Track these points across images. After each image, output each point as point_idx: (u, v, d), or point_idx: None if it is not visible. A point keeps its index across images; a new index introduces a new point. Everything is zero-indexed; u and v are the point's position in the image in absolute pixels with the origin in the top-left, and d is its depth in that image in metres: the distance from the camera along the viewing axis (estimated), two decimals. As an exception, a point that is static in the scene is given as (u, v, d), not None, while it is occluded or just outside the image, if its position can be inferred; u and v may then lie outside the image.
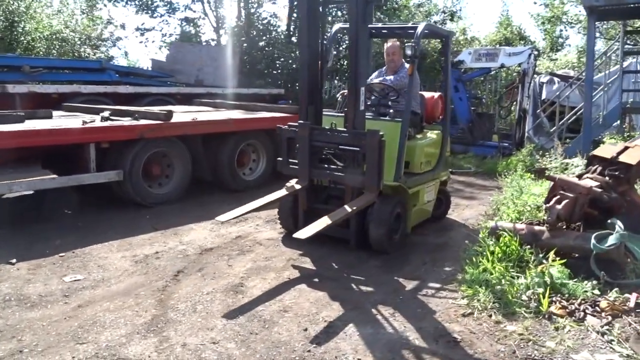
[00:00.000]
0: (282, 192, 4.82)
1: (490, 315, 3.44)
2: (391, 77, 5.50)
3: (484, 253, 4.19)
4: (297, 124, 4.84)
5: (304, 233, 3.80)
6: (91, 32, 17.15)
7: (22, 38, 15.85)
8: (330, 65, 5.48)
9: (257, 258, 4.59)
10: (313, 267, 4.44)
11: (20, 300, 3.67)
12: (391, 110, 5.15)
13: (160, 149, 6.36)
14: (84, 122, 5.67)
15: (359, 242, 4.81)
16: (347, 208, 4.38)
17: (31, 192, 6.53)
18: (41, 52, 16.21)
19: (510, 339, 3.16)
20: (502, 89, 14.36)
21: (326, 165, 4.81)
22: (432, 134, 5.76)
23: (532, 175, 6.95)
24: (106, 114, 6.34)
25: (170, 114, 6.41)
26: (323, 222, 4.03)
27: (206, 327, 3.28)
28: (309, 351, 3.02)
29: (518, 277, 3.86)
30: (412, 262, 4.58)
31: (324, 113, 5.30)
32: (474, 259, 4.14)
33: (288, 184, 4.92)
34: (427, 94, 6.09)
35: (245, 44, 17.06)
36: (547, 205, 4.37)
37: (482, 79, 15.07)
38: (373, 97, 5.43)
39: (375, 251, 4.74)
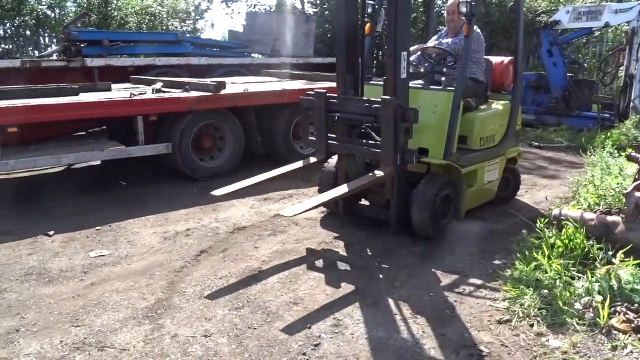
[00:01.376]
0: (295, 165, 4.47)
1: (532, 325, 2.87)
2: (449, 41, 4.84)
3: (542, 246, 3.56)
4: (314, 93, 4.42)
5: (289, 211, 3.43)
6: (177, 5, 17.50)
7: (116, 14, 16.53)
8: (381, 28, 4.92)
9: (287, 240, 4.29)
10: (344, 252, 4.05)
11: (40, 274, 3.66)
12: (443, 78, 4.53)
13: (211, 122, 6.21)
14: (132, 95, 5.63)
15: (400, 226, 4.33)
16: (348, 186, 3.93)
17: (99, 162, 6.74)
18: (133, 27, 16.83)
19: (551, 357, 2.59)
20: (608, 52, 12.68)
21: (345, 138, 4.35)
22: (499, 105, 5.05)
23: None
24: (158, 85, 6.28)
25: (220, 85, 6.21)
26: (313, 201, 3.62)
27: (205, 317, 3.04)
28: (304, 354, 2.67)
29: (579, 278, 3.22)
30: (458, 252, 4.03)
31: (372, 82, 4.82)
32: (527, 253, 3.52)
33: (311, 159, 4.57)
34: (496, 59, 5.34)
35: (327, 12, 16.56)
36: (627, 191, 3.61)
37: (584, 41, 13.45)
38: (427, 64, 4.82)
39: (419, 237, 4.24)
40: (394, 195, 4.25)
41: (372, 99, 4.19)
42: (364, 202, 4.78)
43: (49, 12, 14.97)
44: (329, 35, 16.33)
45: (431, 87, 4.51)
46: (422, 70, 4.92)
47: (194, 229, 4.54)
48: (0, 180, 6.12)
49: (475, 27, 4.84)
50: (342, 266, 3.78)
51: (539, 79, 11.00)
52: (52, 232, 4.44)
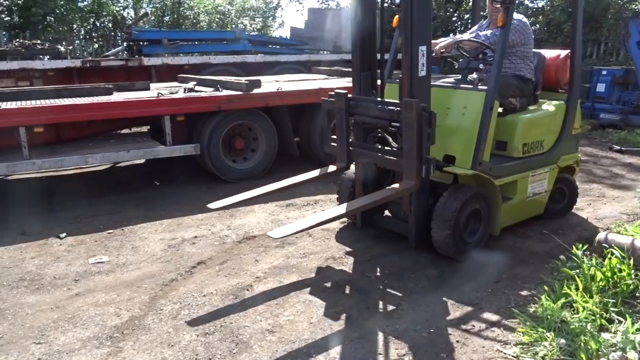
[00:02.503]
0: (309, 175, 4.06)
1: (543, 383, 2.32)
2: (487, 32, 4.24)
3: (579, 277, 2.95)
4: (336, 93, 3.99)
5: (277, 232, 3.02)
6: (246, 3, 17.63)
7: (188, 13, 16.95)
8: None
9: (294, 253, 3.93)
10: (350, 271, 3.63)
11: (33, 280, 3.57)
12: (475, 75, 3.95)
13: (242, 122, 5.97)
14: (159, 95, 5.51)
15: (420, 241, 3.84)
16: (359, 202, 3.48)
17: (143, 160, 6.73)
18: (204, 26, 17.19)
19: None
20: None
21: (365, 144, 3.89)
22: (550, 106, 4.38)
23: None
24: (191, 84, 6.15)
25: (253, 84, 5.96)
26: (309, 220, 3.18)
27: (168, 342, 2.76)
28: (256, 398, 2.31)
29: (618, 322, 2.60)
30: (481, 277, 3.47)
31: (390, 80, 4.33)
32: (556, 286, 2.93)
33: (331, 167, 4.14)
34: (550, 53, 4.65)
35: (397, 6, 15.91)
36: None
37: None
38: (461, 60, 4.25)
39: (442, 255, 3.73)
40: (412, 208, 3.77)
41: (389, 100, 3.73)
42: (387, 212, 4.33)
43: (124, 13, 15.55)
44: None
45: (461, 85, 3.95)
46: (456, 67, 4.36)
47: (202, 237, 4.31)
48: (37, 177, 6.26)
49: (521, 17, 4.23)
50: (342, 288, 3.36)
51: (626, 74, 9.80)
52: (63, 234, 4.38)
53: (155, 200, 5.31)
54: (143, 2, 16.90)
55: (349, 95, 3.97)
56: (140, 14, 11.87)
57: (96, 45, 15.02)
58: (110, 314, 3.09)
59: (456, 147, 3.82)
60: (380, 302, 3.16)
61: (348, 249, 3.99)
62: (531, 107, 4.36)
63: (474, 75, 4.07)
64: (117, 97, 5.56)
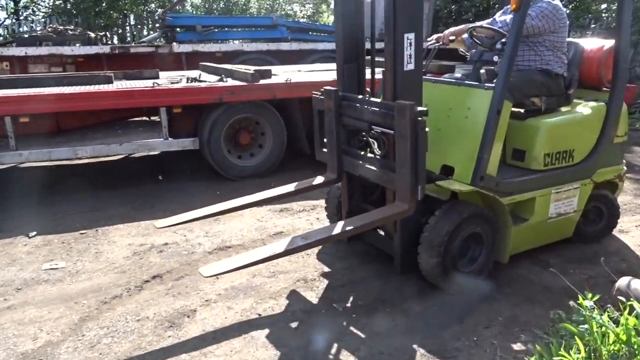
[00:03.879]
0: (290, 187, 3.51)
1: None
2: (507, 18, 3.52)
3: (585, 337, 2.27)
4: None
5: (209, 270, 2.49)
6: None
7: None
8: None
9: (263, 271, 3.43)
10: (317, 298, 3.08)
11: (-26, 287, 3.29)
12: (482, 70, 3.26)
13: (248, 115, 5.51)
14: (154, 84, 5.15)
15: (407, 267, 3.24)
16: (328, 230, 2.87)
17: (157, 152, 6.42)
18: (254, 12, 16.90)
19: None
20: None
21: (361, 153, 3.30)
22: (586, 108, 3.61)
23: None
24: (196, 74, 5.76)
25: (261, 74, 5.48)
26: (247, 257, 2.60)
27: (67, 381, 2.36)
28: None
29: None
30: (472, 319, 2.83)
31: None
32: (553, 346, 2.26)
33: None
34: (591, 43, 3.85)
35: (454, -9, 14.91)
36: None
37: None
38: (474, 51, 3.55)
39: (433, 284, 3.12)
40: (398, 228, 3.16)
41: (377, 100, 3.12)
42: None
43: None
44: (454, 17, 14.74)
45: (465, 82, 3.27)
46: (467, 59, 3.68)
47: (173, 244, 3.90)
48: (34, 167, 6.08)
49: (551, -1, 3.48)
50: (296, 322, 2.83)
51: None
52: (33, 233, 4.12)
53: (147, 197, 4.97)
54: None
55: (341, 94, 3.38)
56: (176, 0, 11.67)
57: (145, 32, 15.08)
58: (27, 336, 2.72)
59: (456, 156, 3.17)
60: (334, 346, 2.60)
61: (326, 269, 3.44)
62: (563, 109, 3.61)
63: (490, 69, 3.39)
64: (113, 86, 5.25)
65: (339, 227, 2.82)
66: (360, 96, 3.28)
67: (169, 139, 5.20)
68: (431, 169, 3.21)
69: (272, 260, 2.92)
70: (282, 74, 6.31)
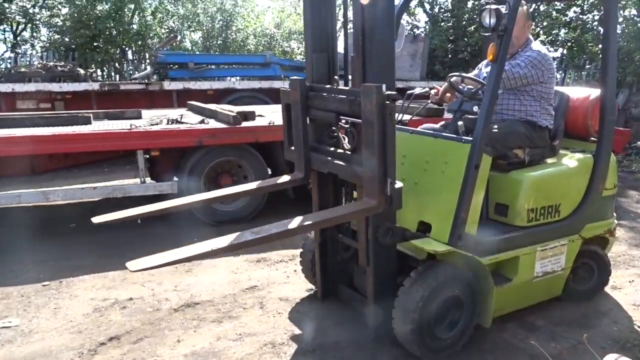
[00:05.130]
0: (254, 185, 3.38)
1: None
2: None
3: None
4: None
5: (137, 264, 2.24)
6: (294, 26, 17.21)
7: (235, 36, 16.81)
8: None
9: (229, 332, 3.20)
10: (280, 369, 2.85)
11: None
12: (460, 122, 3.10)
13: (229, 158, 5.36)
14: (132, 126, 5.01)
15: (382, 331, 3.01)
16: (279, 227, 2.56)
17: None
18: (251, 49, 16.99)
19: None
20: None
21: (330, 149, 3.06)
22: (572, 160, 3.44)
23: None
24: (178, 114, 5.64)
25: (243, 116, 5.35)
26: (189, 250, 2.34)
27: None
28: None
29: None
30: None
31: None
32: None
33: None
34: (578, 93, 3.71)
35: (450, 30, 14.98)
36: None
37: None
38: (454, 100, 3.39)
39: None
40: (372, 287, 2.95)
41: (344, 88, 2.93)
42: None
43: (171, 34, 15.49)
44: (450, 55, 14.79)
45: (443, 134, 3.11)
46: (445, 107, 3.54)
47: (138, 299, 3.68)
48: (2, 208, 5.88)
49: (538, 47, 3.36)
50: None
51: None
52: (-7, 284, 3.91)
53: (119, 244, 4.75)
54: (191, 25, 16.93)
55: (308, 84, 3.08)
56: (169, 37, 11.69)
57: (142, 66, 15.12)
58: (-41, 410, 2.49)
59: (433, 212, 2.98)
60: None
61: (297, 331, 3.21)
62: (548, 160, 3.44)
63: (469, 118, 3.24)
64: (92, 127, 5.11)
65: (296, 222, 2.56)
66: (328, 86, 3.05)
67: (146, 182, 5.04)
68: (407, 225, 3.03)
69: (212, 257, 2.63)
70: (269, 114, 6.18)
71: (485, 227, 3.08)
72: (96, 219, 2.84)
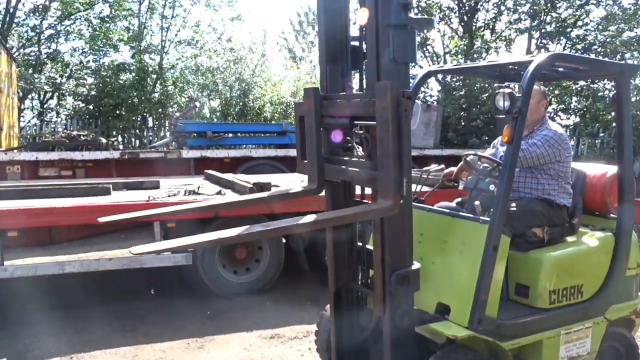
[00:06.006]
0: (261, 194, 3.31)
1: None
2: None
3: None
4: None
5: (139, 249, 2.12)
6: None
7: (252, 104, 17.31)
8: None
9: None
10: None
11: None
12: (477, 202, 3.09)
13: (244, 229, 5.36)
14: (150, 198, 5.08)
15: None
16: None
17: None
18: (267, 116, 17.43)
19: None
20: None
21: (344, 158, 2.92)
22: (592, 239, 3.38)
23: None
24: (196, 184, 5.72)
25: (259, 187, 5.39)
26: (184, 240, 2.20)
27: None
28: None
29: None
30: None
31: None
32: None
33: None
34: (595, 170, 3.70)
35: (462, 99, 15.28)
36: None
37: None
38: (469, 178, 3.41)
39: None
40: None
41: (358, 93, 2.85)
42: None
43: (190, 104, 16.02)
44: (463, 123, 14.99)
45: (460, 213, 3.10)
46: (460, 187, 3.54)
47: (149, 377, 3.60)
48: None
49: (555, 126, 3.40)
50: None
51: None
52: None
53: (132, 316, 4.72)
54: (210, 94, 17.51)
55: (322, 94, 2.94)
56: (188, 106, 12.09)
57: (162, 133, 15.55)
58: None
59: (452, 294, 2.92)
60: None
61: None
62: (568, 239, 3.39)
63: (485, 196, 3.23)
64: (110, 198, 5.19)
65: (307, 218, 2.44)
66: (342, 93, 2.96)
67: (162, 254, 5.04)
68: (426, 307, 2.96)
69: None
70: (285, 184, 6.23)
71: (506, 309, 2.99)
72: (103, 219, 2.79)
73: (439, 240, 3.07)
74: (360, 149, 2.86)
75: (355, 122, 2.73)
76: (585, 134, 13.24)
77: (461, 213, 3.09)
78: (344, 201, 3.07)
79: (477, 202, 3.05)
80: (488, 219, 2.85)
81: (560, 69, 3.46)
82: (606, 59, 13.07)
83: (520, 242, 3.19)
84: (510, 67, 3.59)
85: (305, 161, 3.00)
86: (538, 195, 3.34)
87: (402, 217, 2.66)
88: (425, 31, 15.27)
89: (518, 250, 3.17)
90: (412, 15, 2.58)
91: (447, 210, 3.20)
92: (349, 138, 2.92)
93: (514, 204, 3.21)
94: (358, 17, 2.74)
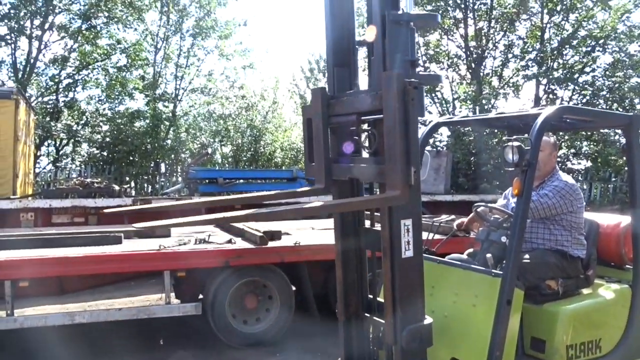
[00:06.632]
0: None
1: None
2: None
3: None
4: None
5: (142, 225, 2.11)
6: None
7: (264, 149, 17.52)
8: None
9: None
10: None
11: None
12: (489, 255, 3.06)
13: (255, 278, 5.34)
14: (160, 247, 5.09)
15: None
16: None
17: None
18: (278, 162, 17.60)
19: None
20: None
21: (351, 157, 2.87)
22: (609, 291, 3.32)
23: None
24: (207, 232, 5.73)
25: (269, 235, 5.40)
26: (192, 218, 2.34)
27: None
28: None
29: None
30: None
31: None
32: None
33: None
34: (608, 220, 3.67)
35: (472, 145, 15.35)
36: None
37: None
38: (480, 230, 3.39)
39: None
40: None
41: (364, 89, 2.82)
42: None
43: (202, 150, 16.25)
44: (473, 168, 14.99)
45: (472, 266, 3.07)
46: (472, 235, 3.51)
47: None
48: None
49: (565, 177, 3.40)
50: None
51: None
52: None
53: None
54: (222, 140, 17.77)
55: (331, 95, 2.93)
56: (200, 152, 12.27)
57: (174, 179, 15.72)
58: None
59: (466, 349, 2.87)
60: None
61: None
62: (584, 291, 3.33)
63: (497, 247, 3.20)
64: (121, 247, 5.21)
65: (314, 204, 2.42)
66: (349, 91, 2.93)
67: (171, 303, 5.01)
68: (439, 362, 2.89)
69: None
70: (295, 231, 6.25)
71: (521, 365, 2.92)
72: (107, 211, 3.17)
73: (451, 293, 3.03)
74: (367, 145, 2.82)
75: (363, 117, 2.72)
76: (597, 179, 13.17)
77: (473, 265, 3.06)
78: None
79: (488, 255, 3.03)
80: (500, 272, 2.82)
81: (569, 120, 3.49)
82: (615, 104, 13.22)
83: (534, 295, 3.14)
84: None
85: (313, 164, 2.98)
86: (551, 247, 3.31)
87: (413, 268, 2.65)
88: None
89: (533, 303, 3.12)
90: (419, 71, 2.64)
91: (459, 263, 3.17)
92: (356, 138, 2.90)
93: (526, 256, 3.18)
94: (367, 34, 2.78)
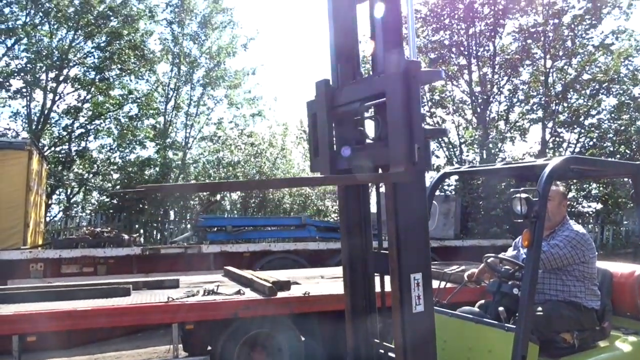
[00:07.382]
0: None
1: None
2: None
3: None
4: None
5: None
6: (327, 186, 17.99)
7: (272, 196, 17.56)
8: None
9: None
10: None
11: None
12: (501, 308, 3.01)
13: (263, 330, 5.26)
14: (169, 299, 5.05)
15: None
16: None
17: None
18: (287, 208, 17.60)
19: None
20: None
21: (358, 146, 2.87)
22: (626, 344, 3.24)
23: None
24: (213, 286, 5.69)
25: (278, 286, 5.35)
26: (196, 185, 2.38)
27: None
28: None
29: None
30: None
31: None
32: None
33: None
34: (619, 268, 3.62)
35: (480, 188, 15.33)
36: None
37: None
38: (491, 281, 3.35)
39: None
40: None
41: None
42: None
43: (211, 198, 16.34)
44: (482, 212, 14.89)
45: (484, 320, 3.02)
46: (484, 284, 3.47)
47: None
48: None
49: (576, 227, 3.37)
50: None
51: None
52: None
53: None
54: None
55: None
56: (209, 200, 12.35)
57: (182, 225, 15.75)
58: None
59: (480, 407, 2.78)
60: None
61: None
62: (601, 344, 3.25)
63: (509, 299, 3.15)
64: (130, 299, 5.18)
65: (320, 177, 2.55)
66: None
67: (179, 356, 4.93)
68: (453, 421, 2.81)
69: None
70: (304, 281, 6.20)
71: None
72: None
73: (464, 347, 2.98)
74: (372, 132, 2.83)
75: (366, 103, 2.72)
76: (608, 222, 13.04)
77: (485, 319, 3.01)
78: (356, 191, 3.05)
79: (501, 309, 2.98)
80: (514, 326, 2.77)
81: (576, 169, 3.50)
82: (622, 146, 13.22)
83: (550, 349, 3.07)
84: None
85: (318, 158, 3.00)
86: (565, 298, 3.26)
87: (424, 323, 2.61)
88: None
89: (548, 357, 3.04)
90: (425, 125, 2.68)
91: (471, 316, 3.12)
92: (361, 129, 2.90)
93: (540, 308, 3.13)
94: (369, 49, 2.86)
